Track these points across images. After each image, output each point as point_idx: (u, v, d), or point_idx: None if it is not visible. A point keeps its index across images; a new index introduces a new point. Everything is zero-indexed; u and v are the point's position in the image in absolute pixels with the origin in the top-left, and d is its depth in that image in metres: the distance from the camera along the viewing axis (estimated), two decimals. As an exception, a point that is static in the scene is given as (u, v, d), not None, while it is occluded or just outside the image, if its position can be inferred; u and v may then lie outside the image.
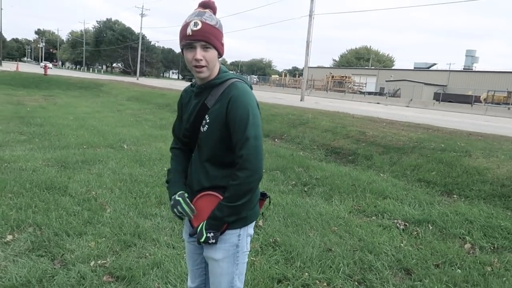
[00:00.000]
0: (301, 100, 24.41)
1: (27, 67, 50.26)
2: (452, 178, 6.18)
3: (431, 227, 4.46)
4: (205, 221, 1.71)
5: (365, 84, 54.70)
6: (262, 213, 4.52)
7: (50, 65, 68.56)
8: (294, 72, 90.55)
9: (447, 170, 6.46)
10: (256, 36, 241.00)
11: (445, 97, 38.73)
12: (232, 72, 1.80)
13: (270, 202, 2.04)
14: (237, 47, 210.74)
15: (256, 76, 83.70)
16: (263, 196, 1.92)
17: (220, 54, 1.71)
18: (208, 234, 1.68)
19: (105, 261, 3.22)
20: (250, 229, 1.81)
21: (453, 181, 6.10)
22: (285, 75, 70.82)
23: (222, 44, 1.70)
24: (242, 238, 1.77)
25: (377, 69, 65.91)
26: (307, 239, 3.95)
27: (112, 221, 4.03)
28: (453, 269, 3.49)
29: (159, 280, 2.99)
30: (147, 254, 3.41)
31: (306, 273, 3.25)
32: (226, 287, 1.80)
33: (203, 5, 1.70)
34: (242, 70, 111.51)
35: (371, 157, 7.57)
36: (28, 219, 3.87)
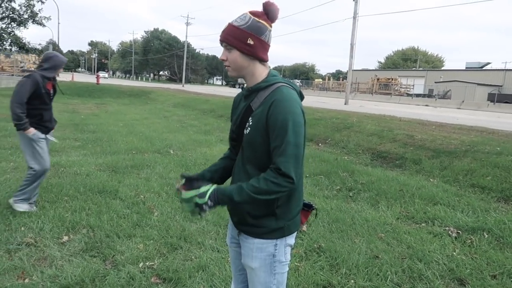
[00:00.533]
0: (345, 104, 24.00)
1: (82, 77, 53.13)
2: (510, 183, 5.81)
3: (486, 236, 4.21)
4: (215, 188, 1.64)
5: (413, 86, 52.87)
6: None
7: (106, 74, 71.72)
8: (338, 76, 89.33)
9: (504, 175, 6.08)
10: (298, 40, 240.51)
11: (500, 98, 36.60)
12: (281, 76, 1.77)
13: (316, 215, 1.99)
14: (279, 52, 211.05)
15: (299, 81, 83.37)
16: (309, 207, 1.87)
17: (247, 55, 1.67)
18: (209, 202, 1.61)
19: (153, 263, 3.31)
20: (289, 239, 1.77)
21: (510, 186, 5.73)
22: (329, 79, 69.95)
23: (248, 45, 1.65)
24: (279, 248, 1.73)
25: (425, 70, 63.49)
26: (352, 245, 3.86)
27: (160, 224, 4.15)
28: (512, 281, 3.28)
29: (204, 283, 3.04)
30: (193, 257, 3.47)
31: (352, 280, 3.17)
32: None
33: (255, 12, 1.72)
34: (285, 75, 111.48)
35: (420, 162, 7.28)
36: (82, 221, 4.08)
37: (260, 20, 1.67)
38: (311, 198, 5.39)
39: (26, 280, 2.94)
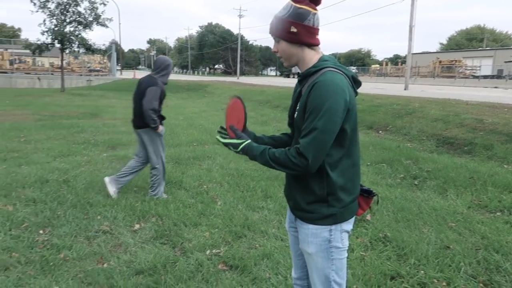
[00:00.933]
0: (405, 89, 22.97)
1: (143, 74, 55.57)
2: None
3: None
4: (248, 144, 1.77)
5: (479, 67, 49.31)
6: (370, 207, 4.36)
7: None
8: (396, 60, 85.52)
9: None
10: (353, 26, 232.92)
11: None
12: (333, 61, 1.73)
13: (378, 202, 1.96)
14: (334, 39, 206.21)
15: (354, 67, 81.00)
16: (369, 193, 1.85)
17: (293, 43, 1.69)
18: (241, 152, 1.78)
19: (219, 251, 3.42)
20: (345, 225, 1.75)
21: None
22: (386, 64, 67.19)
23: (291, 33, 1.66)
24: (335, 234, 1.73)
25: (493, 49, 58.88)
26: (420, 235, 3.72)
27: (223, 213, 4.26)
28: None
29: (269, 271, 3.08)
30: (257, 245, 3.53)
31: (422, 271, 3.06)
32: (323, 281, 1.78)
33: None
34: (340, 62, 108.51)
35: (492, 147, 6.80)
36: (151, 210, 4.29)
37: (302, 6, 1.66)
38: (374, 186, 5.25)
39: (105, 265, 3.15)
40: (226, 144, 1.84)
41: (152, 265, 3.14)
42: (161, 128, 4.63)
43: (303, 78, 1.73)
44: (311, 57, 1.72)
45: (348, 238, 1.82)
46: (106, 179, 4.73)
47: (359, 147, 1.79)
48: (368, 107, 11.37)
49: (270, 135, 2.05)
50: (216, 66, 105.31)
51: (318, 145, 1.57)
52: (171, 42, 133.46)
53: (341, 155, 1.66)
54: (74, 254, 3.28)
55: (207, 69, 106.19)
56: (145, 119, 4.48)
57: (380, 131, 9.44)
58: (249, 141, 1.79)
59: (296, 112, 1.71)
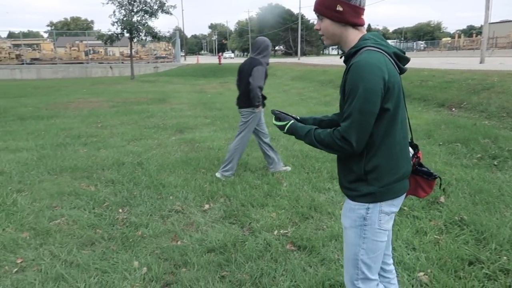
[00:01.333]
0: (480, 63, 21.21)
1: (205, 59, 56.87)
2: None
3: None
4: (292, 124, 1.84)
5: None
6: (444, 189, 4.15)
7: (232, 54, 75.25)
8: (470, 32, 79.19)
9: None
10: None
11: None
12: (374, 39, 1.65)
13: (441, 185, 1.91)
14: (399, 14, 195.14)
15: (423, 42, 76.31)
16: (429, 175, 1.80)
17: (337, 22, 1.66)
18: (288, 133, 1.86)
19: (286, 231, 3.45)
20: (386, 207, 1.71)
21: None
22: (459, 37, 62.46)
23: (337, 11, 1.64)
24: (372, 213, 1.70)
25: None
26: (502, 219, 3.47)
27: (289, 194, 4.28)
28: None
29: (338, 252, 3.05)
30: (324, 227, 3.51)
31: (505, 257, 2.86)
32: (351, 257, 1.79)
33: None
34: (406, 37, 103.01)
35: None
36: (219, 191, 4.43)
37: None
38: (447, 167, 4.97)
39: (179, 243, 3.32)
40: (277, 126, 1.93)
41: (222, 243, 3.25)
42: (260, 107, 4.85)
43: (346, 59, 1.71)
44: (353, 37, 1.69)
45: (391, 221, 1.78)
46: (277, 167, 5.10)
47: (407, 125, 1.75)
48: (439, 84, 10.69)
49: (324, 115, 2.09)
50: (277, 48, 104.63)
51: (359, 128, 1.57)
52: (232, 26, 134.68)
53: (381, 134, 1.63)
54: (151, 232, 3.49)
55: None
56: (250, 97, 4.66)
57: (453, 109, 8.85)
58: (292, 121, 1.85)
59: (340, 95, 1.71)
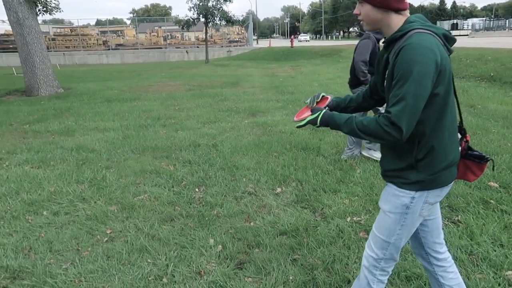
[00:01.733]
0: None
1: (277, 42, 56.73)
2: None
3: None
4: (324, 113, 1.69)
5: None
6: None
7: (307, 37, 74.51)
8: None
9: None
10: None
11: None
12: (420, 21, 1.56)
13: (493, 167, 1.76)
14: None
15: (517, 19, 68.83)
16: (481, 159, 1.73)
17: (379, 7, 1.58)
18: (321, 127, 1.70)
19: (359, 218, 3.39)
20: (431, 197, 1.66)
21: None
22: (562, 12, 55.35)
23: None
24: (417, 202, 1.66)
25: None
26: None
27: (363, 181, 4.18)
28: None
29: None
30: (400, 216, 3.38)
31: None
32: (382, 238, 1.76)
33: None
34: (497, 15, 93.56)
35: None
36: (291, 175, 4.45)
37: None
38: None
39: (252, 224, 3.41)
40: (305, 125, 1.76)
41: (294, 227, 3.28)
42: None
43: (388, 44, 1.63)
44: (396, 22, 1.60)
45: (433, 209, 1.79)
46: (364, 153, 5.02)
47: (455, 110, 1.66)
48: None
49: (344, 96, 2.01)
50: (351, 29, 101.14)
51: (410, 112, 1.47)
52: (305, 8, 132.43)
53: (432, 119, 1.56)
54: (225, 212, 3.62)
55: (341, 33, 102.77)
56: (356, 74, 4.54)
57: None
58: (323, 110, 1.72)
59: (385, 81, 1.62)
